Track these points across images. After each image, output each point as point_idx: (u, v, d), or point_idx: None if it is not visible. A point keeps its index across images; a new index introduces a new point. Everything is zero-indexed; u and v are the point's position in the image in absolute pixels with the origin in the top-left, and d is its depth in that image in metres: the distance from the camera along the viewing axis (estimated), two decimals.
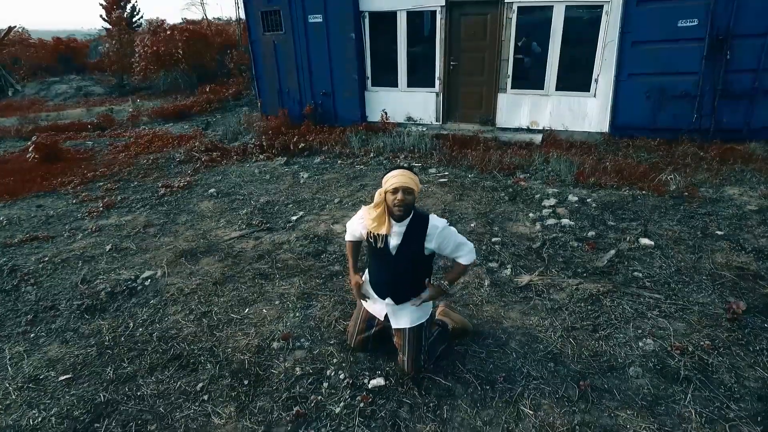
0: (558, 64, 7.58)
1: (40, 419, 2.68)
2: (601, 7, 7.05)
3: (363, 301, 2.92)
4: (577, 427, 2.44)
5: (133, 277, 4.18)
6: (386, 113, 8.76)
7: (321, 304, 3.61)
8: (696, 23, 6.62)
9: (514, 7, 7.47)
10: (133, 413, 2.69)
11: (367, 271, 2.89)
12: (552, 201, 5.38)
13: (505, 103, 8.10)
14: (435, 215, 2.63)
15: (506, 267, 4.04)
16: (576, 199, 5.40)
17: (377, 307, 2.87)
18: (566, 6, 7.20)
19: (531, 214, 5.05)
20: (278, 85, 9.48)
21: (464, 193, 5.77)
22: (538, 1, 7.32)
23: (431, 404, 2.61)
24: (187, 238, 4.99)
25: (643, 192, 5.54)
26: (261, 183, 6.63)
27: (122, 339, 3.35)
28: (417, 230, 2.55)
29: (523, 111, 8.04)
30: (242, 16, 16.97)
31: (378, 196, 2.54)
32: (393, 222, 2.55)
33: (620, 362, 2.89)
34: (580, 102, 7.66)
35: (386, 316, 2.82)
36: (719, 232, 4.48)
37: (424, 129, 8.50)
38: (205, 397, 2.77)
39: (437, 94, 8.48)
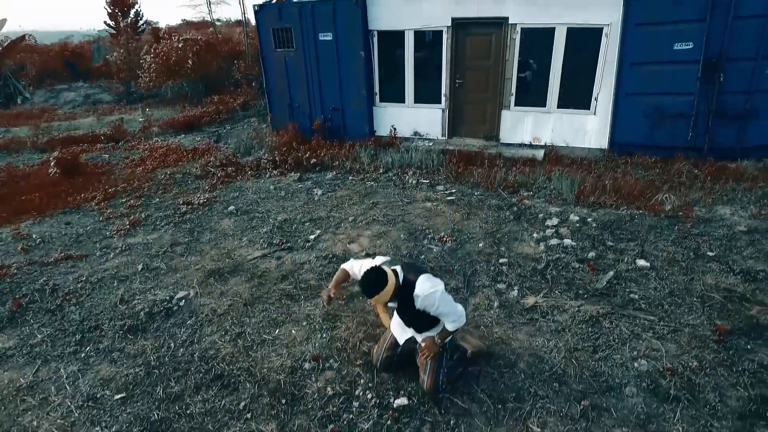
0: (559, 83, 7.91)
1: None
2: (601, 29, 7.37)
3: (389, 327, 3.28)
4: None
5: (168, 297, 4.53)
6: (395, 128, 9.09)
7: (345, 325, 3.95)
8: (691, 46, 6.94)
9: (518, 29, 7.79)
10: (186, 431, 3.03)
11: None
12: (554, 220, 5.72)
13: (509, 120, 8.43)
14: (423, 279, 2.90)
15: (513, 288, 4.38)
16: (577, 218, 5.74)
17: (401, 331, 3.22)
18: (568, 28, 7.52)
19: (535, 234, 5.39)
20: (289, 100, 9.80)
21: (471, 212, 6.10)
22: (541, 24, 7.65)
23: (450, 422, 2.96)
24: (213, 257, 5.33)
25: (641, 211, 5.88)
26: (277, 200, 6.96)
27: (166, 359, 3.70)
28: (406, 298, 2.93)
29: (526, 127, 8.37)
30: (249, 18, 17.19)
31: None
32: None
33: (617, 382, 3.24)
34: (581, 119, 8.00)
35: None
36: (710, 253, 4.82)
37: (431, 144, 8.84)
38: (249, 416, 3.12)
39: (443, 110, 8.81)
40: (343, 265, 3.28)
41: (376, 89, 9.16)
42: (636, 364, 3.38)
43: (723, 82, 6.93)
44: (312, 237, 5.67)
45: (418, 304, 2.88)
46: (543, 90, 8.04)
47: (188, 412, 3.18)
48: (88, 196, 7.56)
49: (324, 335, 3.85)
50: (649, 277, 4.45)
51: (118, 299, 4.55)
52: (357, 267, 3.14)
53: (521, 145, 8.47)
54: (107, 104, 18.31)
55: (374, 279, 2.79)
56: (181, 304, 4.41)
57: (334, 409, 3.11)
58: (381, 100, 9.23)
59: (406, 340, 3.26)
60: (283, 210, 6.56)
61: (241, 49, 17.84)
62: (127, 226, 6.26)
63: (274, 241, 5.60)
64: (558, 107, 8.07)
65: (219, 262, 5.21)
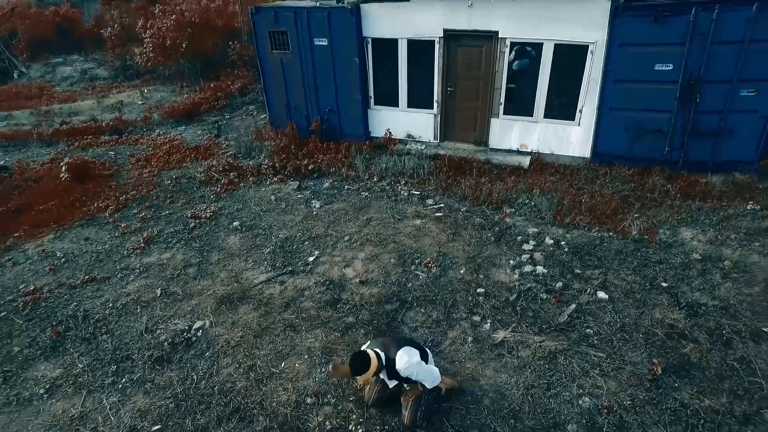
0: (546, 95, 8.26)
1: None
2: (587, 47, 7.65)
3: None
4: None
5: (186, 327, 5.20)
6: (389, 132, 9.49)
7: (341, 359, 4.64)
8: (671, 68, 7.27)
9: (507, 43, 8.05)
10: None
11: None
12: (531, 244, 6.32)
13: (498, 127, 8.83)
14: (401, 354, 3.64)
15: (486, 321, 5.05)
16: (552, 242, 6.33)
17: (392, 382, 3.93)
18: (555, 44, 7.79)
19: (512, 261, 6.00)
20: (286, 99, 10.11)
21: (456, 232, 6.68)
22: (530, 39, 7.90)
23: None
24: (223, 281, 5.96)
25: (610, 234, 6.46)
26: (278, 213, 7.52)
27: (191, 391, 4.41)
28: (390, 370, 3.64)
29: (514, 135, 8.79)
30: None
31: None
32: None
33: (562, 419, 3.96)
34: (566, 129, 8.41)
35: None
36: (664, 284, 5.46)
37: (423, 147, 9.28)
38: None
39: (435, 116, 9.18)
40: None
41: (371, 93, 9.47)
42: (580, 401, 4.10)
43: (699, 102, 7.32)
44: (311, 259, 6.28)
45: (401, 373, 3.55)
46: (530, 101, 8.39)
47: None
48: (100, 206, 8.10)
49: (323, 370, 4.55)
50: (606, 311, 5.11)
51: (143, 328, 5.23)
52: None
53: (509, 151, 8.92)
54: (104, 81, 18.35)
55: (360, 363, 3.47)
56: (199, 334, 5.09)
57: None
58: (376, 104, 9.56)
59: (395, 385, 3.96)
60: (284, 226, 7.13)
61: (236, 25, 17.67)
62: (142, 244, 6.84)
63: (277, 264, 6.22)
64: (544, 117, 8.46)
65: (228, 287, 5.85)
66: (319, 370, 4.54)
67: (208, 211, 7.65)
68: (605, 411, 3.99)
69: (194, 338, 5.05)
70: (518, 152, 8.85)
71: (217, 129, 11.47)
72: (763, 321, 4.84)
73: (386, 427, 3.94)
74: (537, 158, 8.65)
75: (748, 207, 6.78)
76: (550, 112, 8.39)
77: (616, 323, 4.93)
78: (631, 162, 8.04)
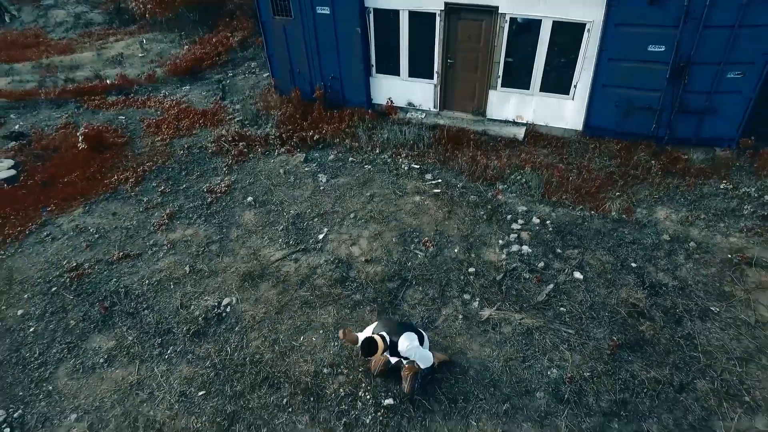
0: (543, 69, 8.53)
1: (198, 424, 4.72)
2: (584, 25, 7.83)
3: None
4: None
5: (216, 303, 6.02)
6: (391, 100, 9.82)
7: (351, 326, 5.48)
8: (663, 49, 7.53)
9: (507, 18, 8.19)
10: (251, 420, 4.73)
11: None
12: (519, 223, 6.99)
13: (495, 99, 9.17)
14: (403, 339, 4.43)
15: (475, 299, 5.86)
16: (538, 221, 7.00)
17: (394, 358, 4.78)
18: (553, 21, 7.95)
19: (500, 241, 6.70)
20: (289, 66, 10.29)
21: (452, 210, 7.33)
22: (529, 15, 8.05)
23: (419, 417, 4.64)
24: (243, 258, 6.71)
25: (592, 213, 7.12)
26: (287, 188, 8.11)
27: (226, 362, 5.30)
28: (393, 350, 4.45)
29: (511, 106, 9.15)
30: None
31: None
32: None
33: (533, 387, 4.87)
34: (560, 103, 8.77)
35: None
36: (633, 264, 6.21)
37: (423, 116, 9.66)
38: (290, 409, 4.79)
39: (435, 86, 9.47)
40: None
41: (373, 61, 9.67)
42: (549, 373, 4.99)
43: (687, 83, 7.65)
44: (321, 236, 6.98)
45: (402, 355, 4.39)
46: (528, 74, 8.67)
47: (249, 406, 4.85)
48: (120, 178, 8.66)
49: (336, 343, 5.41)
50: (580, 290, 5.90)
51: (178, 304, 6.05)
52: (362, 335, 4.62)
53: (505, 122, 9.32)
54: (99, 26, 18.04)
55: (369, 348, 4.28)
56: (228, 310, 5.92)
57: (345, 406, 4.78)
58: (377, 72, 9.79)
59: (396, 360, 4.82)
60: (294, 201, 7.76)
61: None
62: (166, 220, 7.51)
63: (290, 242, 6.93)
64: (540, 90, 8.78)
65: (248, 264, 6.60)
66: (333, 344, 5.40)
67: (223, 185, 8.24)
68: (568, 381, 4.89)
69: (224, 314, 5.88)
70: (514, 123, 9.26)
71: (222, 90, 11.70)
72: (712, 300, 5.65)
73: (389, 393, 4.85)
74: (531, 130, 9.08)
75: (721, 186, 7.37)
76: (546, 86, 8.70)
77: (587, 302, 5.74)
78: (620, 136, 8.50)
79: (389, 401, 4.78)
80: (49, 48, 16.21)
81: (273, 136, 9.40)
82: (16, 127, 10.82)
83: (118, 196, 8.25)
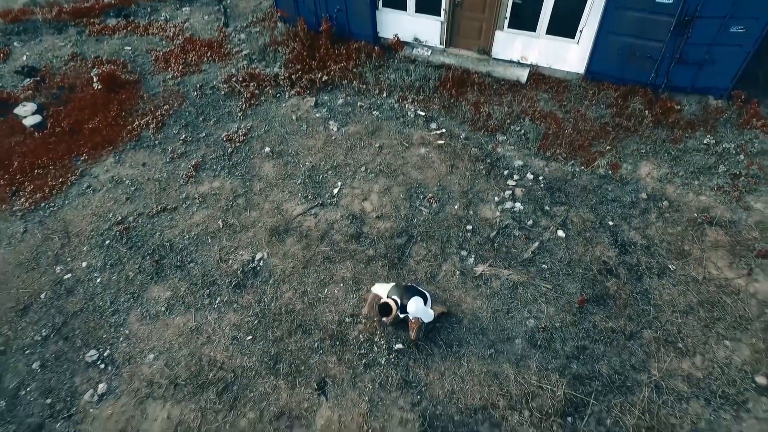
0: (551, 12, 8.51)
1: (250, 363, 6.07)
2: None
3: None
4: (484, 371, 5.83)
5: (250, 258, 7.06)
6: (398, 36, 9.82)
7: (366, 288, 6.62)
8: (671, 2, 7.53)
9: None
10: (291, 360, 6.06)
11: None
12: (515, 179, 7.73)
13: (502, 39, 9.22)
14: (411, 303, 5.42)
15: (471, 256, 6.89)
16: (532, 177, 7.73)
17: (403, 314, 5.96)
18: None
19: (496, 198, 7.52)
20: None
21: (454, 164, 8.01)
22: None
23: (422, 359, 5.96)
24: (269, 212, 7.60)
25: (581, 167, 7.81)
26: (300, 136, 8.66)
27: (266, 311, 6.51)
28: (403, 310, 5.50)
29: (516, 47, 9.24)
30: None
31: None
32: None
33: (513, 335, 6.12)
34: (565, 46, 8.88)
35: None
36: (611, 223, 7.12)
37: (429, 53, 9.77)
38: (321, 352, 6.10)
39: (442, 23, 9.42)
40: (373, 290, 5.79)
41: None
42: (527, 323, 6.20)
43: (690, 36, 7.78)
44: (335, 191, 7.78)
45: (411, 315, 5.53)
46: (535, 17, 8.66)
47: (289, 348, 6.15)
48: (142, 123, 9.15)
49: (353, 296, 6.56)
50: (561, 248, 6.89)
51: (218, 257, 7.09)
52: (380, 291, 5.65)
53: (510, 62, 9.48)
54: None
55: (385, 310, 5.39)
56: (261, 264, 6.98)
57: (364, 350, 6.07)
58: (384, 5, 9.63)
59: (405, 316, 6.00)
60: (308, 152, 8.39)
61: None
62: (193, 172, 8.23)
63: (308, 196, 7.75)
64: (547, 33, 8.83)
65: (274, 218, 7.50)
66: (352, 296, 6.56)
67: (240, 133, 8.77)
68: (542, 330, 6.12)
69: (258, 267, 6.96)
70: (518, 64, 9.42)
71: (225, 15, 11.44)
72: (672, 259, 6.67)
73: (399, 339, 6.12)
74: (535, 71, 9.30)
75: (705, 141, 7.95)
76: (553, 30, 8.74)
77: (565, 259, 6.76)
78: (619, 81, 8.79)
79: (399, 345, 6.06)
80: None
81: (282, 77, 9.62)
82: (24, 58, 10.88)
83: (143, 143, 8.84)
